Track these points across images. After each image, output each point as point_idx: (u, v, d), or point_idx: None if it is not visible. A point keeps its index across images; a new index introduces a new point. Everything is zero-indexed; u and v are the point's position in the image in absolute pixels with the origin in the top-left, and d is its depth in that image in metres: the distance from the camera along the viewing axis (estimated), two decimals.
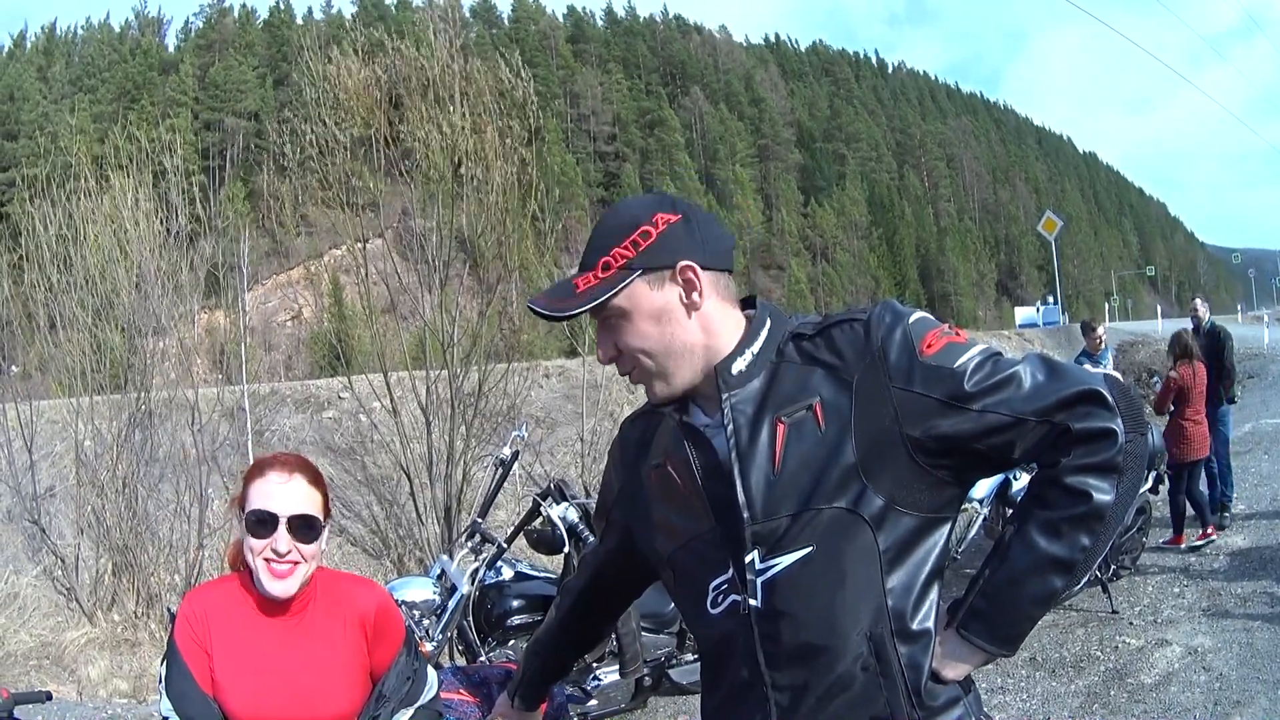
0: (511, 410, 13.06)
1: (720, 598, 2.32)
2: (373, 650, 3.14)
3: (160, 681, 3.01)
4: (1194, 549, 10.68)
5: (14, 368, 13.82)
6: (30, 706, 4.65)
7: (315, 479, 3.06)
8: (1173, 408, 10.76)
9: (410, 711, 3.19)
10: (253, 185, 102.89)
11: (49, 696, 4.57)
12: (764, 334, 2.27)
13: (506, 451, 7.33)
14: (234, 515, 3.10)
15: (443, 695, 3.43)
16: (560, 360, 19.59)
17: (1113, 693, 7.45)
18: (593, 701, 6.96)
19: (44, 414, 13.85)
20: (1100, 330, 13.00)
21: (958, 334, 2.21)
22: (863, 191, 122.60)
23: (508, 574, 7.10)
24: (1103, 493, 2.09)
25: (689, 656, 7.30)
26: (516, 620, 6.92)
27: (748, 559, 2.21)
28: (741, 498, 2.20)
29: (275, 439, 16.65)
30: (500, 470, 7.26)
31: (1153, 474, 9.57)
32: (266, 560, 2.93)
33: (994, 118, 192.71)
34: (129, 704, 9.57)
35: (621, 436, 2.68)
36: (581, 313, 2.23)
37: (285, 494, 2.96)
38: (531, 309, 2.34)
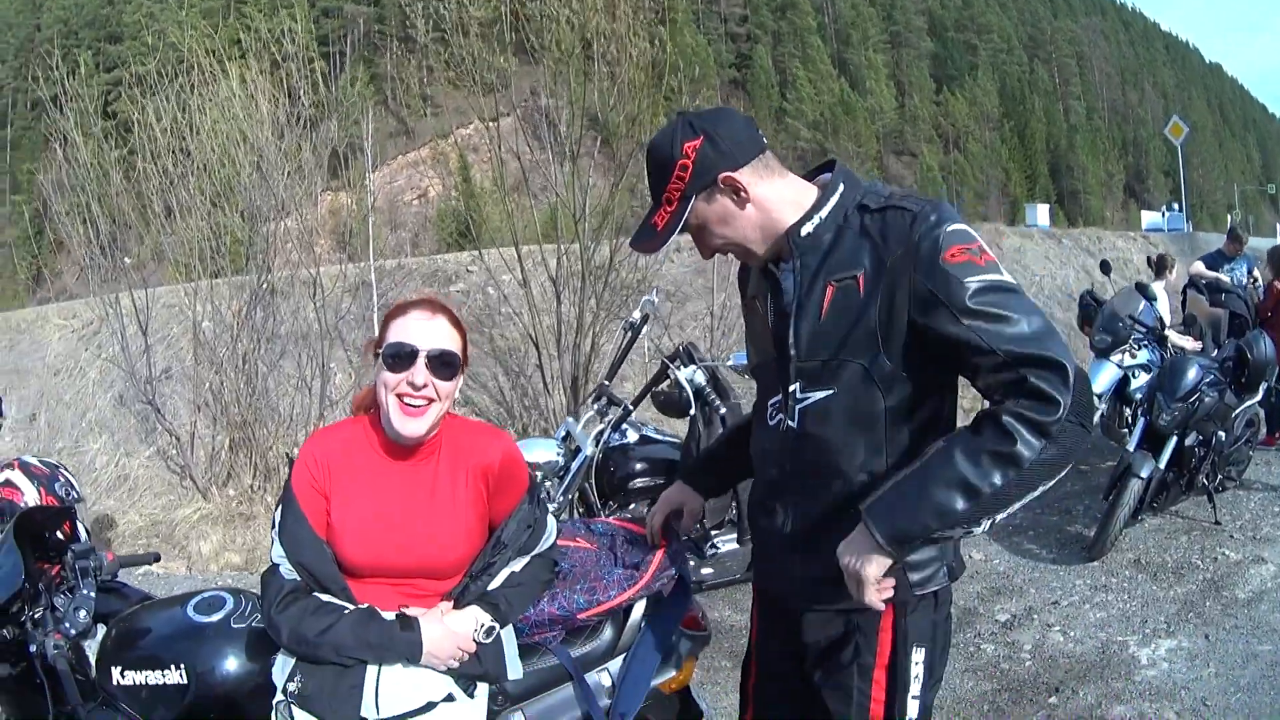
0: (641, 283, 13.08)
1: (773, 414, 2.91)
2: (493, 499, 3.21)
3: (273, 527, 3.08)
4: None
5: (127, 258, 13.78)
6: (140, 576, 4.63)
7: (456, 322, 3.15)
8: (1270, 315, 11.10)
9: (526, 559, 3.25)
10: (375, 68, 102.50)
11: (156, 558, 4.59)
12: (834, 199, 2.75)
13: (636, 315, 7.44)
14: (368, 360, 3.18)
15: (560, 542, 3.49)
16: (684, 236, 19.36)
17: (1208, 603, 7.42)
18: (708, 570, 7.21)
19: (160, 299, 13.98)
20: (1244, 240, 12.91)
21: (982, 255, 2.56)
22: (994, 83, 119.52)
23: (632, 437, 7.29)
24: (1028, 446, 2.41)
25: None
26: (639, 483, 7.12)
27: (791, 388, 2.78)
28: (792, 338, 2.75)
29: None
30: (630, 334, 7.38)
31: (1264, 385, 9.46)
32: (400, 396, 2.98)
33: (1122, 19, 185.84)
34: (240, 575, 9.84)
35: (739, 276, 3.22)
36: (667, 242, 2.84)
37: (427, 330, 3.05)
38: (633, 247, 2.96)
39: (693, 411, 6.79)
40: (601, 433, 7.04)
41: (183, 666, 3.27)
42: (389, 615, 3.01)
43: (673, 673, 3.65)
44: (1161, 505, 9.00)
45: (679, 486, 3.57)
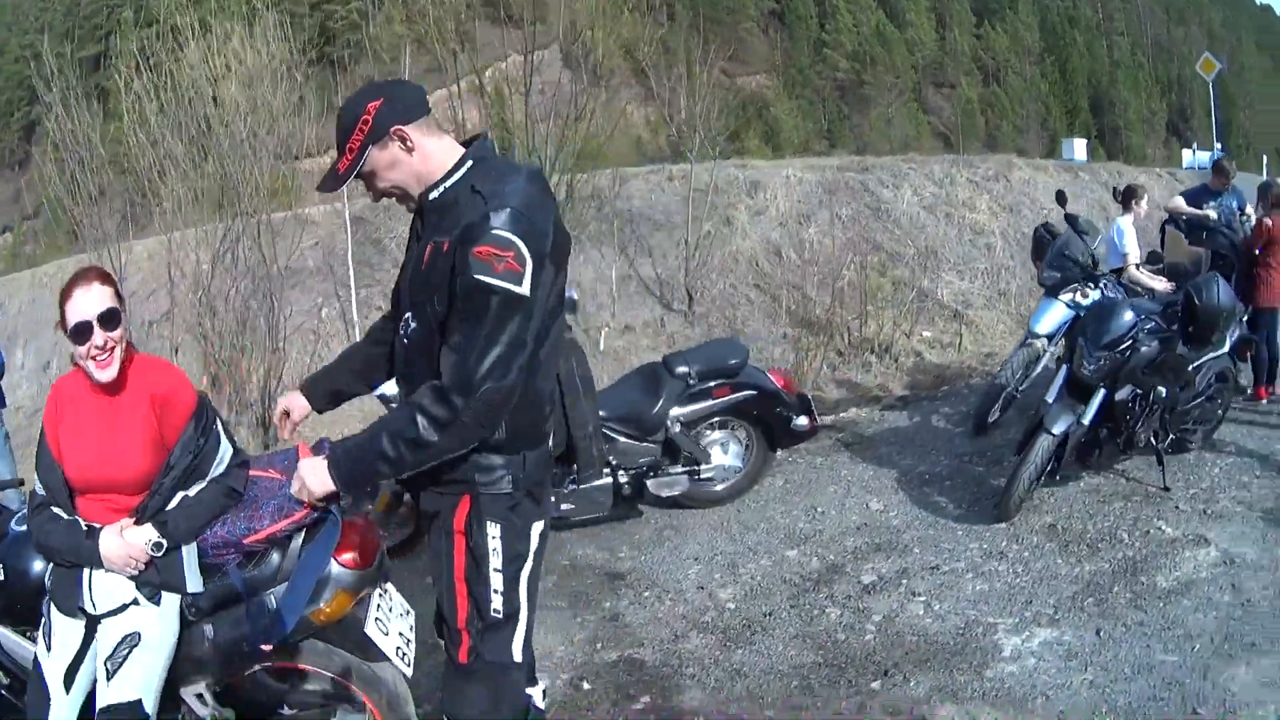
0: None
1: (400, 329, 3.58)
2: (163, 424, 3.77)
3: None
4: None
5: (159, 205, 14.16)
6: None
7: (105, 278, 3.76)
8: (1259, 254, 9.79)
9: (203, 483, 3.84)
10: (412, 6, 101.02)
11: (21, 483, 5.66)
12: (460, 173, 3.35)
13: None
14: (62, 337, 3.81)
15: (253, 473, 4.02)
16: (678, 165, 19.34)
17: (1116, 589, 6.19)
18: (568, 505, 7.19)
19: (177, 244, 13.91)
20: (1231, 173, 11.37)
21: (505, 263, 3.12)
22: (1035, 16, 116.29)
23: None
24: (427, 433, 3.22)
25: (676, 468, 7.56)
26: None
27: (405, 315, 3.52)
28: (408, 279, 3.51)
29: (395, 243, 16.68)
30: None
31: (1231, 335, 8.30)
32: (93, 358, 3.64)
33: None
34: None
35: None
36: (345, 182, 3.42)
37: (90, 300, 3.64)
38: (318, 190, 3.64)
39: None
40: None
41: (2, 565, 4.00)
42: (86, 526, 3.69)
43: (320, 605, 3.86)
44: (1098, 465, 7.89)
45: (294, 394, 4.13)
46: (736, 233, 17.87)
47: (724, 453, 7.94)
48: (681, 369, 7.58)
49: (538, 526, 3.60)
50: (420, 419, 3.19)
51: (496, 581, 3.46)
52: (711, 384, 7.62)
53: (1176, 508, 7.34)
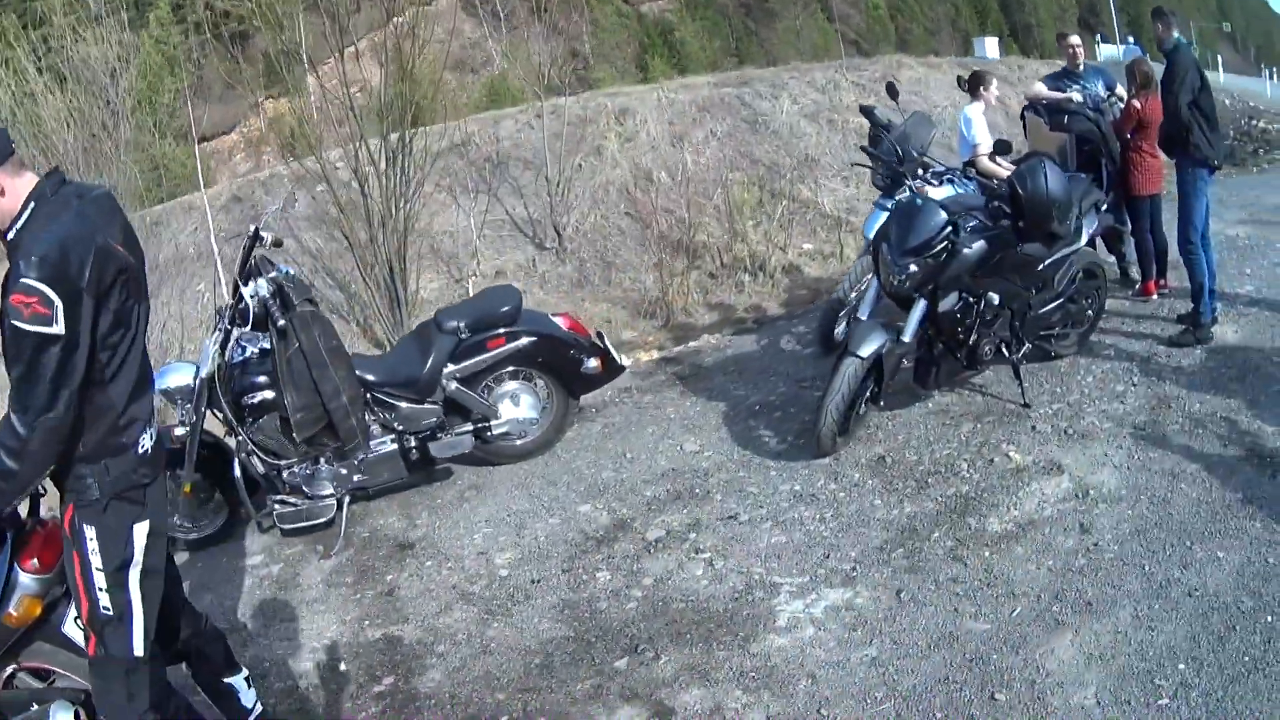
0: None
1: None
2: None
3: None
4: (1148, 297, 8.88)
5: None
6: None
7: None
8: (1129, 137, 8.74)
9: None
10: None
11: None
12: (25, 216, 3.46)
13: (252, 227, 6.90)
14: None
15: None
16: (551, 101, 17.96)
17: (936, 536, 5.36)
18: (360, 476, 6.80)
19: None
20: (1074, 41, 10.12)
21: (31, 309, 3.28)
22: None
23: (253, 351, 6.85)
24: (5, 458, 3.37)
25: (465, 427, 7.14)
26: (256, 398, 6.64)
27: None
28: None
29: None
30: (247, 244, 6.86)
31: (1094, 224, 7.55)
32: None
33: None
34: None
35: None
36: None
37: None
38: None
39: (280, 323, 6.32)
40: (219, 350, 6.61)
41: None
42: None
43: (9, 610, 3.85)
44: (940, 384, 7.05)
45: None
46: (607, 162, 16.95)
47: (515, 405, 7.45)
48: (451, 324, 7.17)
49: (141, 528, 3.72)
50: (1, 450, 3.39)
51: (100, 580, 3.62)
52: (484, 336, 7.19)
53: (1033, 428, 6.52)
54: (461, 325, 7.12)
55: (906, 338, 6.44)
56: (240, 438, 6.53)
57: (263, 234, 6.67)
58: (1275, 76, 42.80)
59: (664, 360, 9.64)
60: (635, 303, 13.11)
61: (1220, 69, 40.54)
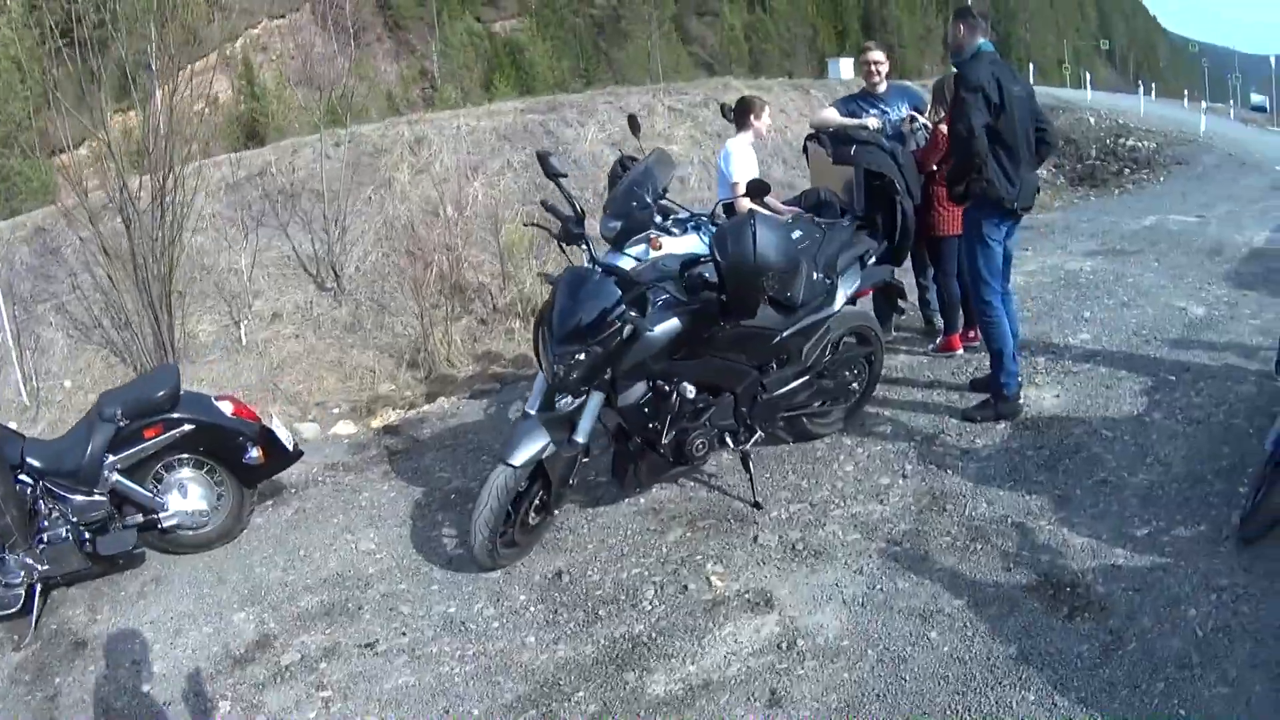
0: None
1: None
2: None
3: None
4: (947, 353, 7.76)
5: None
6: None
7: None
8: (934, 169, 7.50)
9: None
10: None
11: None
12: None
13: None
14: None
15: None
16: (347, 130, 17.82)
17: (579, 696, 4.33)
18: (45, 566, 6.11)
19: None
20: (875, 56, 8.13)
21: None
22: None
23: None
24: None
25: (136, 518, 6.47)
26: None
27: None
28: None
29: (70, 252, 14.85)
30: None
31: (853, 279, 6.41)
32: None
33: None
34: None
35: None
36: None
37: None
38: None
39: None
40: None
41: None
42: None
43: None
44: (639, 482, 5.85)
45: None
46: (396, 195, 16.18)
47: (184, 497, 6.79)
48: (110, 410, 6.54)
49: None
50: None
51: None
52: (143, 423, 6.58)
53: (755, 539, 5.42)
54: (119, 412, 6.51)
55: (579, 438, 5.30)
56: None
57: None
58: (1152, 93, 42.46)
59: (385, 429, 8.57)
60: (402, 350, 12.19)
61: (1088, 87, 40.45)
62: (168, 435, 6.61)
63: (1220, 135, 24.03)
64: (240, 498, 6.95)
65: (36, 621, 6.07)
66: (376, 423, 9.11)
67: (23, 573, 6.06)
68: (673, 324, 5.23)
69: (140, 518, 6.58)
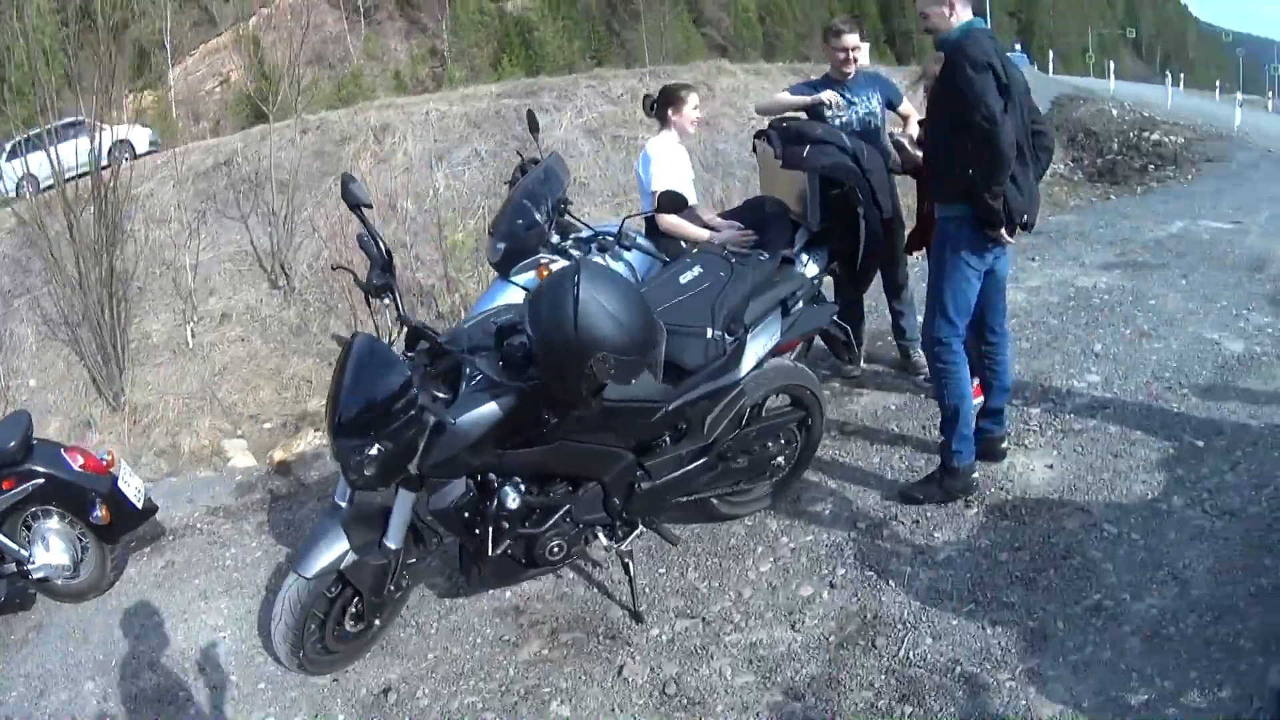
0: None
1: None
2: None
3: None
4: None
5: None
6: None
7: None
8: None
9: None
10: None
11: None
12: None
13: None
14: None
15: None
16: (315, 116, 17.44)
17: None
18: None
19: None
20: (850, 41, 6.36)
21: None
22: None
23: None
24: None
25: (9, 568, 6.06)
26: None
27: None
28: None
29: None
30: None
31: (773, 330, 4.96)
32: None
33: None
34: None
35: None
36: None
37: None
38: None
39: None
40: None
41: None
42: None
43: None
44: (484, 584, 4.85)
45: None
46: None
47: (46, 550, 6.32)
48: None
49: None
50: None
51: None
52: None
53: (620, 672, 4.34)
54: None
55: (390, 543, 4.24)
56: None
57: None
58: (1181, 84, 39.86)
59: (280, 466, 7.71)
60: None
61: (1111, 76, 37.46)
62: (19, 490, 6.18)
63: (1257, 130, 22.36)
64: (101, 553, 6.49)
65: None
66: (279, 454, 8.24)
67: None
68: (489, 411, 3.93)
69: (14, 567, 6.25)
